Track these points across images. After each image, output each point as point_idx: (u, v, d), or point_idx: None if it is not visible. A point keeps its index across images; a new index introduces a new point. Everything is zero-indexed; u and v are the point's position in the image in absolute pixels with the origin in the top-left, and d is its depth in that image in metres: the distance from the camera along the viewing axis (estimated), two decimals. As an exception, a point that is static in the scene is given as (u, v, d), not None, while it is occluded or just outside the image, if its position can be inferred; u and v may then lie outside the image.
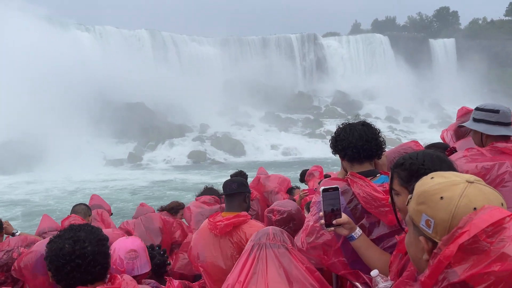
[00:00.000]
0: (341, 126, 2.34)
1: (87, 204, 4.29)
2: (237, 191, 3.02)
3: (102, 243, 1.75)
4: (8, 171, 25.70)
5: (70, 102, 36.42)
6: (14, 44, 36.18)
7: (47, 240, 2.79)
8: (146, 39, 55.04)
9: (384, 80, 59.17)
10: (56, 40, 44.81)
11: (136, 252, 2.63)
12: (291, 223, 2.76)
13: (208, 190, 4.53)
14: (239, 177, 4.17)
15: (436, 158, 1.70)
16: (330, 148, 2.33)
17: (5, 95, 31.27)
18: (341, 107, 55.29)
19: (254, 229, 2.73)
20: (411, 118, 52.83)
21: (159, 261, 3.06)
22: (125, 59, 49.89)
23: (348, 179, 2.16)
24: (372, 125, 2.34)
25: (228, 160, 32.40)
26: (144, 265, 2.68)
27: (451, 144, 3.42)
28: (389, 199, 1.78)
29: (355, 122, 2.34)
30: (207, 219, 3.02)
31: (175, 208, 5.13)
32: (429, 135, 46.96)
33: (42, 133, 30.05)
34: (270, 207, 2.86)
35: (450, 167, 1.68)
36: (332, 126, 47.01)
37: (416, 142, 2.96)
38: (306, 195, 4.57)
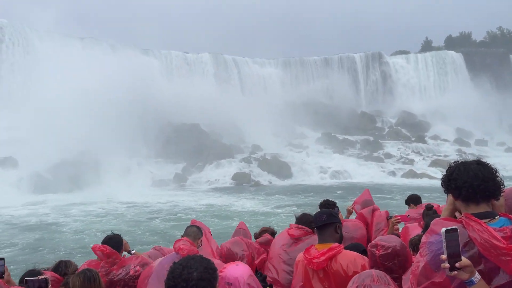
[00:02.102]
0: (452, 164, 2.23)
1: (198, 226, 4.39)
2: (327, 222, 3.19)
3: (208, 272, 1.94)
4: (60, 191, 27.20)
5: (129, 125, 38.21)
6: (80, 73, 38.78)
7: (158, 260, 3.59)
8: (209, 62, 56.83)
9: (456, 99, 55.22)
10: (124, 66, 47.71)
11: (252, 277, 2.82)
12: (396, 259, 2.70)
13: (303, 217, 4.50)
14: (327, 207, 4.24)
15: None
16: (441, 187, 2.24)
17: (68, 118, 33.47)
18: (406, 128, 52.31)
19: (349, 259, 2.99)
20: (485, 141, 48.42)
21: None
22: (188, 82, 51.88)
23: (463, 221, 2.05)
24: (489, 164, 2.19)
25: (272, 182, 31.72)
26: None
27: None
28: None
29: (468, 160, 2.24)
30: (302, 253, 3.24)
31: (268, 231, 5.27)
32: (504, 159, 42.63)
33: (96, 154, 31.75)
34: (373, 242, 2.85)
35: None
36: (393, 148, 44.54)
37: None
38: (398, 221, 4.60)
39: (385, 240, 2.74)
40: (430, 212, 4.93)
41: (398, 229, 4.76)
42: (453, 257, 1.87)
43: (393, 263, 2.66)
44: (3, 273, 3.47)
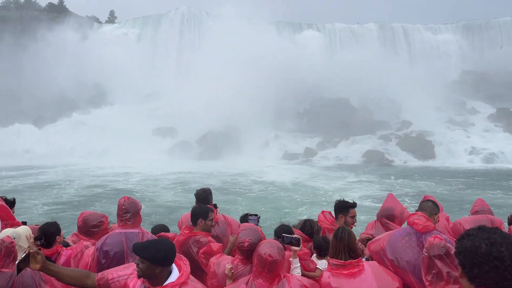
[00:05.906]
0: None
1: (434, 201, 4.02)
2: None
3: None
4: (204, 158, 30.76)
5: (278, 99, 40.03)
6: (241, 52, 41.72)
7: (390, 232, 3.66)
8: (374, 32, 54.26)
9: None
10: (284, 42, 49.49)
11: None
12: None
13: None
14: None
15: None
16: None
17: (222, 92, 36.94)
18: None
19: None
20: None
21: None
22: (350, 54, 50.68)
23: None
24: None
25: (407, 163, 29.06)
26: None
27: None
28: None
29: None
30: None
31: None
32: None
33: (241, 126, 34.47)
34: None
35: None
36: None
37: None
38: None
39: None
40: None
41: None
42: None
43: None
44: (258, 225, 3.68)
